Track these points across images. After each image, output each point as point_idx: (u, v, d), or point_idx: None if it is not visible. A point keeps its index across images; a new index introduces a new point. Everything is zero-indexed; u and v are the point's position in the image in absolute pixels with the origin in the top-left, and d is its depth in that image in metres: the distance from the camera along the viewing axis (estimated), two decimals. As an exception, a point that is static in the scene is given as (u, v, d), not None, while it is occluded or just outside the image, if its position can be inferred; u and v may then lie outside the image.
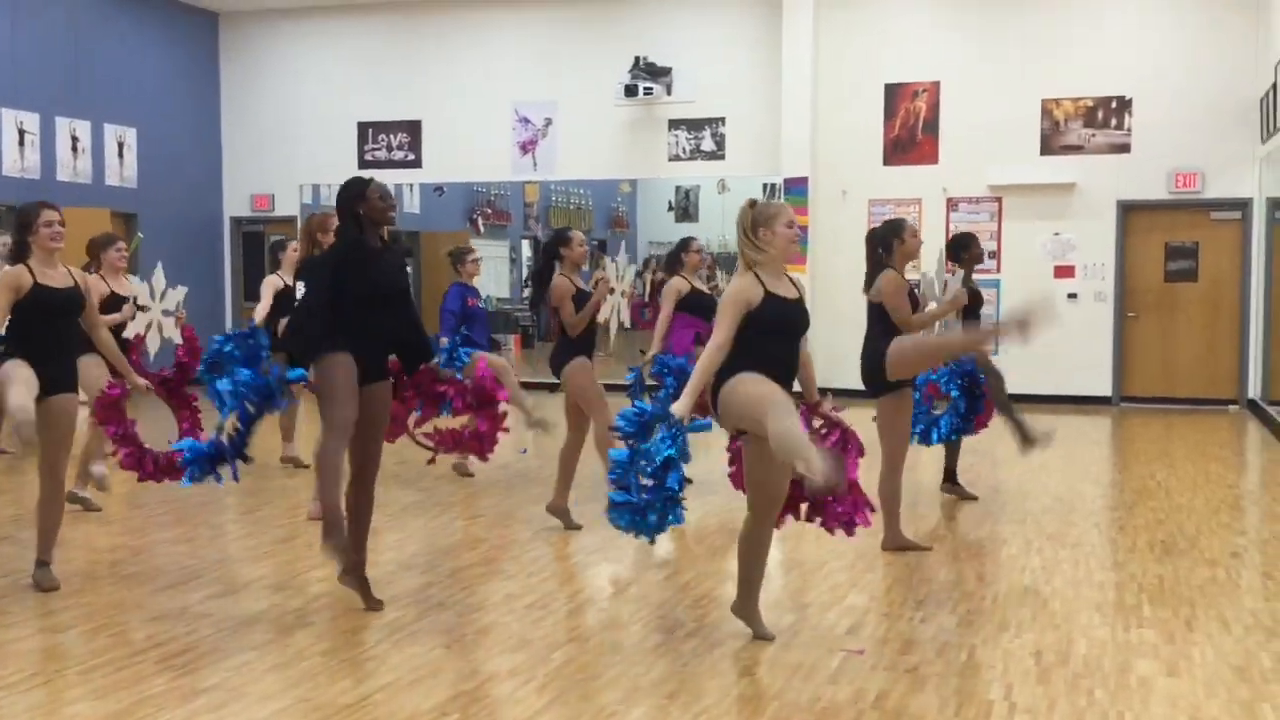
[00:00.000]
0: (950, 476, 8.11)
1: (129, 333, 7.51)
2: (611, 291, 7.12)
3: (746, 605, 5.06)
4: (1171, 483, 8.76)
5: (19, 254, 5.71)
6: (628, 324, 7.83)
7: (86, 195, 14.04)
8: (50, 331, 5.67)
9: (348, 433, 5.25)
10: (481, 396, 6.13)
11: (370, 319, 5.27)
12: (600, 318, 7.12)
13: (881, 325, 6.53)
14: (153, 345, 7.55)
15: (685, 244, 8.32)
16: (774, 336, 4.77)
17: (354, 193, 5.36)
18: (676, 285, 8.07)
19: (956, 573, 6.20)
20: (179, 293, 7.50)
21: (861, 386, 6.69)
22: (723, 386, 4.74)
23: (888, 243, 6.65)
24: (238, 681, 4.50)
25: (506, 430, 6.38)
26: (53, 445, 5.70)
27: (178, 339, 7.18)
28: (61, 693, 4.40)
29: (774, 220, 4.81)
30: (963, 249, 7.93)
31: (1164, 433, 11.50)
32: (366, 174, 5.73)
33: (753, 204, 4.87)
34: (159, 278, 7.41)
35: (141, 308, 7.47)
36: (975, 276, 7.98)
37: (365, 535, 5.51)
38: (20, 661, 4.73)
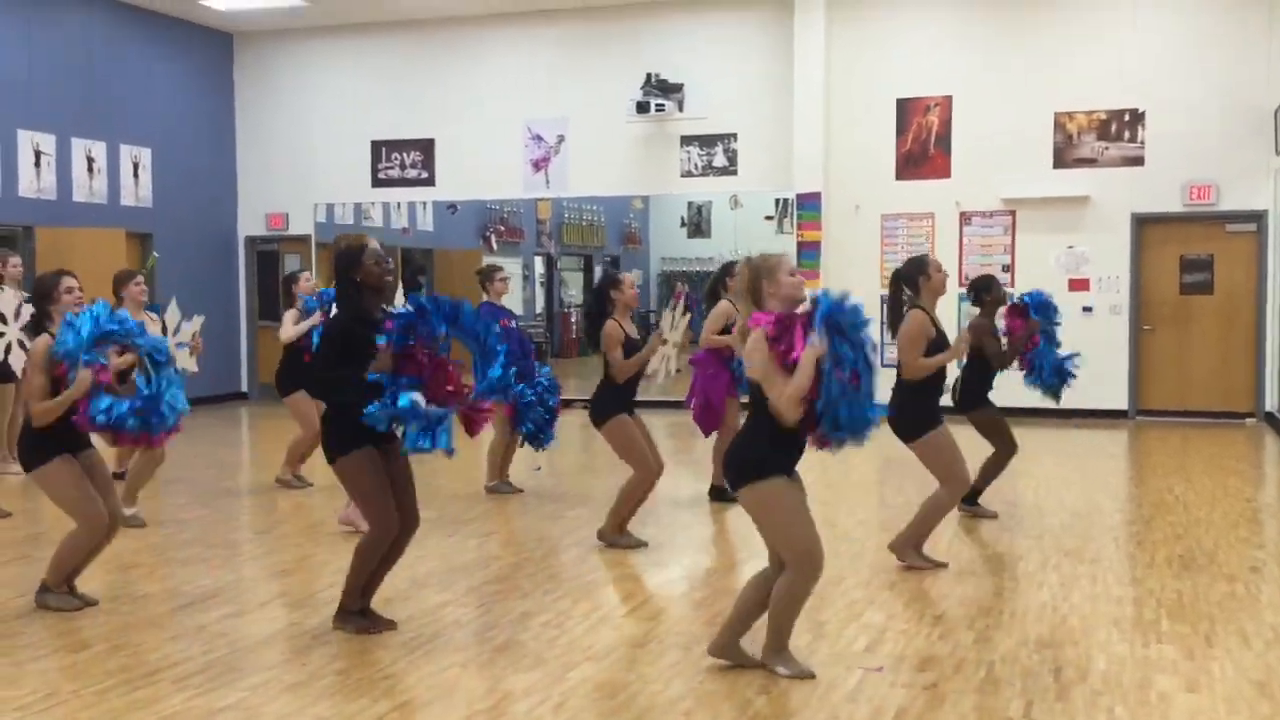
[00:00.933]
0: (971, 498, 7.94)
1: None
2: (664, 343, 7.06)
3: (781, 651, 4.80)
4: (1189, 497, 8.71)
5: (39, 324, 5.83)
6: (676, 371, 7.62)
7: (102, 215, 14.12)
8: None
9: (392, 529, 5.27)
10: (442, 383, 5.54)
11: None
12: (649, 370, 7.07)
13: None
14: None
15: (729, 268, 8.24)
16: None
17: (350, 260, 5.27)
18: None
19: (974, 589, 6.17)
20: (195, 323, 7.44)
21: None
22: (759, 481, 4.58)
23: (914, 281, 6.58)
24: (255, 701, 4.50)
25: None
26: (106, 493, 5.83)
27: (193, 368, 7.22)
28: (78, 713, 4.40)
29: (775, 271, 4.71)
30: (984, 290, 7.91)
31: (1181, 446, 11.45)
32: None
33: (749, 261, 4.80)
34: (173, 311, 7.41)
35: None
36: None
37: (382, 579, 5.54)
38: (36, 681, 4.74)
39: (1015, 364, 8.02)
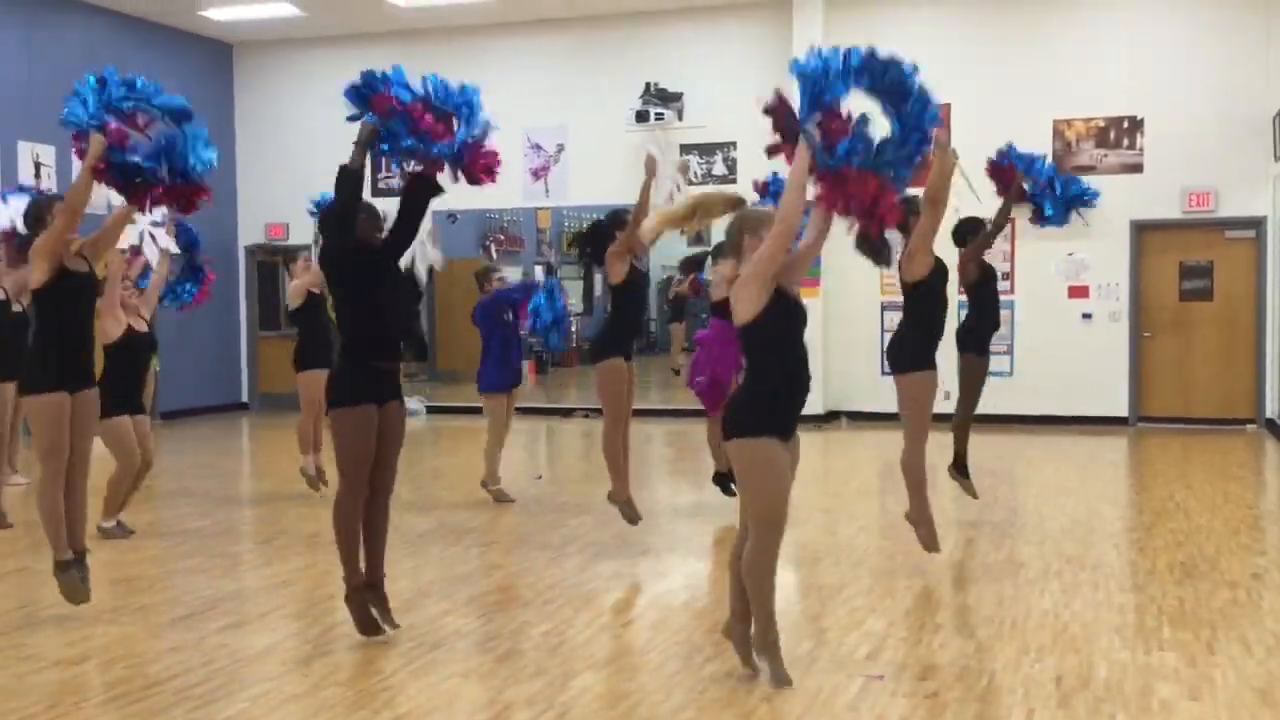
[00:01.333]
0: (959, 462, 8.11)
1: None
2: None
3: (768, 639, 4.78)
4: (1190, 504, 8.70)
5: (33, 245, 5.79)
6: (683, 186, 7.78)
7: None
8: (75, 320, 5.76)
9: (361, 491, 5.30)
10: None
11: (381, 322, 5.32)
12: (659, 199, 7.20)
13: (915, 312, 6.67)
14: (151, 254, 7.76)
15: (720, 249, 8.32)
16: (788, 333, 4.69)
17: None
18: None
19: (975, 596, 6.17)
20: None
21: (874, 409, 6.68)
22: (752, 437, 4.59)
23: (916, 208, 6.62)
24: (256, 712, 4.50)
25: None
26: (83, 438, 5.81)
27: (173, 248, 7.59)
28: (79, 724, 4.40)
29: (759, 227, 4.73)
30: (970, 233, 8.12)
31: (1181, 453, 11.44)
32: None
33: (740, 202, 4.83)
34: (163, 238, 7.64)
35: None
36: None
37: (382, 552, 5.51)
38: (38, 694, 4.73)
39: (1028, 217, 8.14)
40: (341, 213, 5.35)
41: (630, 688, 4.77)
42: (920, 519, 6.72)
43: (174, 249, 7.75)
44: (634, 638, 5.57)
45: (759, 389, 4.65)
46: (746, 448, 4.59)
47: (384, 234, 5.54)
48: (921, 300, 6.67)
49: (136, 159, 5.62)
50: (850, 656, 5.15)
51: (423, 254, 8.30)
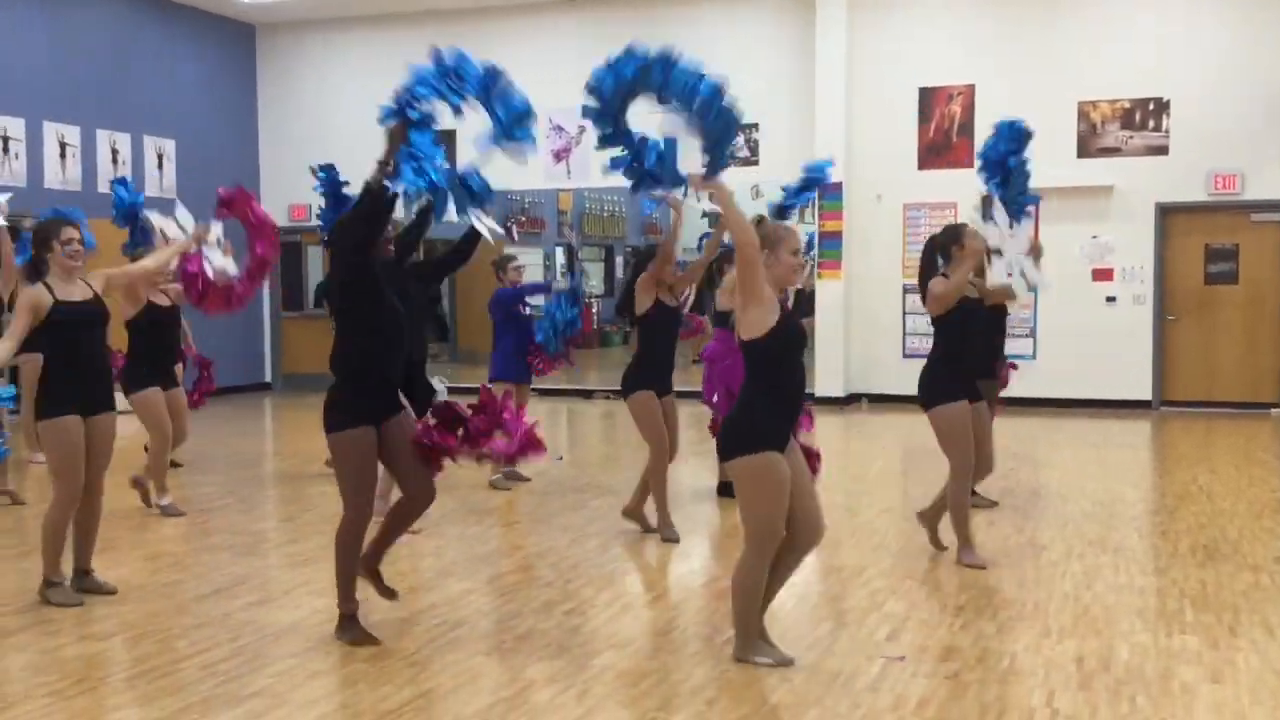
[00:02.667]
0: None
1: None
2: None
3: (748, 643, 4.77)
4: (1213, 487, 8.67)
5: (36, 271, 5.71)
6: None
7: (127, 207, 14.18)
8: (81, 347, 5.67)
9: (367, 515, 5.12)
10: (493, 415, 5.39)
11: (386, 348, 5.10)
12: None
13: (943, 343, 6.43)
14: (225, 264, 7.71)
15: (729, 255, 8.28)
16: (790, 356, 4.69)
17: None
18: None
19: (996, 579, 6.16)
20: (218, 227, 7.67)
21: (895, 391, 6.63)
22: (752, 454, 4.56)
23: (947, 249, 6.44)
24: (281, 688, 4.54)
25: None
26: (97, 465, 5.78)
27: (231, 270, 7.59)
28: (105, 699, 4.46)
29: (779, 245, 4.67)
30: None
31: (1205, 437, 11.39)
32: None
33: (760, 221, 4.77)
34: (184, 214, 7.68)
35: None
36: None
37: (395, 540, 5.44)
38: (65, 669, 4.79)
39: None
40: (363, 237, 5.04)
41: (651, 667, 4.79)
42: (963, 553, 6.46)
43: (231, 270, 7.69)
44: (655, 618, 5.59)
45: (759, 405, 4.63)
46: (750, 465, 4.58)
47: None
48: (949, 330, 6.44)
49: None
50: (870, 638, 5.16)
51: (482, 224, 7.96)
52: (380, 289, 5.05)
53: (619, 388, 7.25)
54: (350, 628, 5.13)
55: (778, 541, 4.65)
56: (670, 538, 7.01)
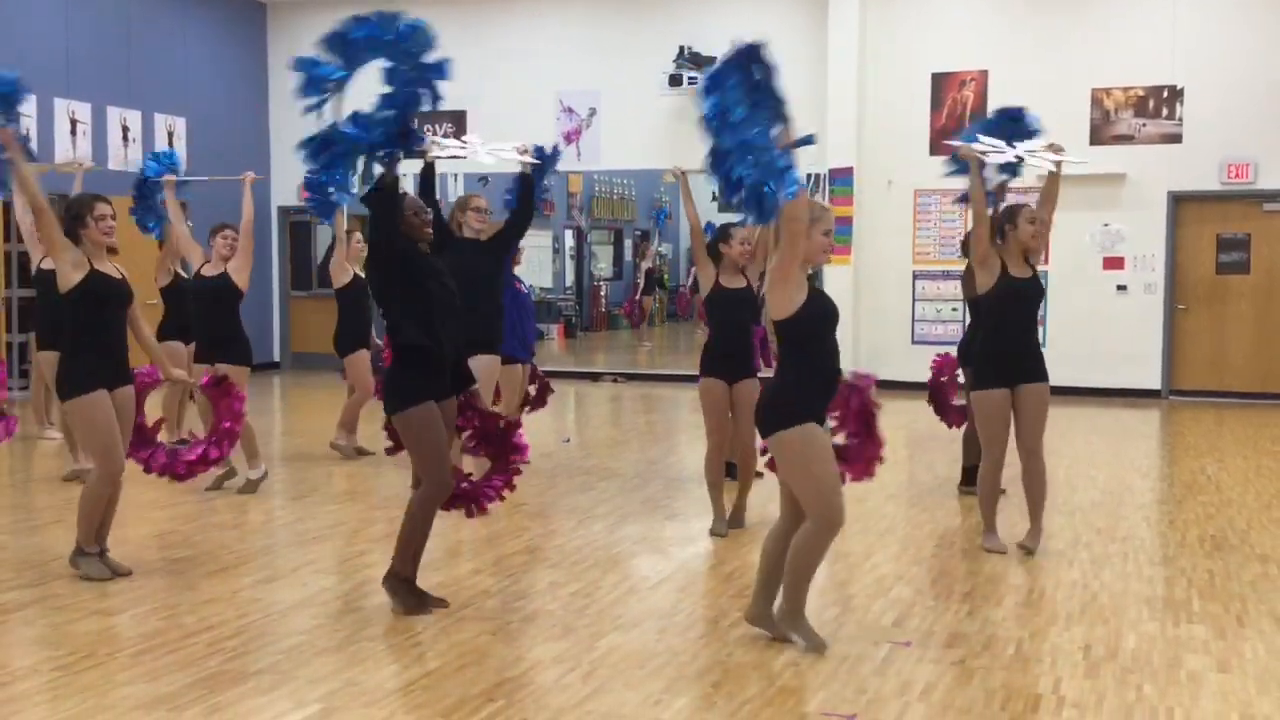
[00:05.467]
0: (968, 478, 7.85)
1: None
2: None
3: (795, 616, 4.79)
4: (1222, 477, 8.65)
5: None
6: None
7: (137, 184, 14.19)
8: (111, 322, 5.72)
9: (448, 486, 5.24)
10: (501, 447, 5.76)
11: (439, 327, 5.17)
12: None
13: (984, 322, 6.42)
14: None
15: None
16: (824, 332, 4.70)
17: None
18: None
19: (1003, 566, 6.16)
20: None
21: (903, 378, 6.59)
22: (791, 427, 4.57)
23: (1000, 229, 6.32)
24: (288, 665, 4.56)
25: (513, 488, 5.90)
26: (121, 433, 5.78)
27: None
28: (114, 674, 4.47)
29: (815, 223, 4.64)
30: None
31: (1214, 426, 11.36)
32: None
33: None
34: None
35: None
36: None
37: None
38: (74, 643, 4.81)
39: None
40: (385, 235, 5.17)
41: (658, 649, 4.80)
42: (988, 538, 6.45)
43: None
44: (661, 600, 5.59)
45: (794, 381, 4.66)
46: (790, 438, 4.59)
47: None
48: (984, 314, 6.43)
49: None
50: (877, 623, 5.16)
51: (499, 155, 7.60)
52: (419, 272, 5.14)
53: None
54: (409, 593, 5.19)
55: (840, 512, 4.64)
56: (718, 531, 6.91)
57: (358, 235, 9.49)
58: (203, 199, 14.98)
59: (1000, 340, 6.32)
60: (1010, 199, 7.11)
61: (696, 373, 6.98)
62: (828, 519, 4.62)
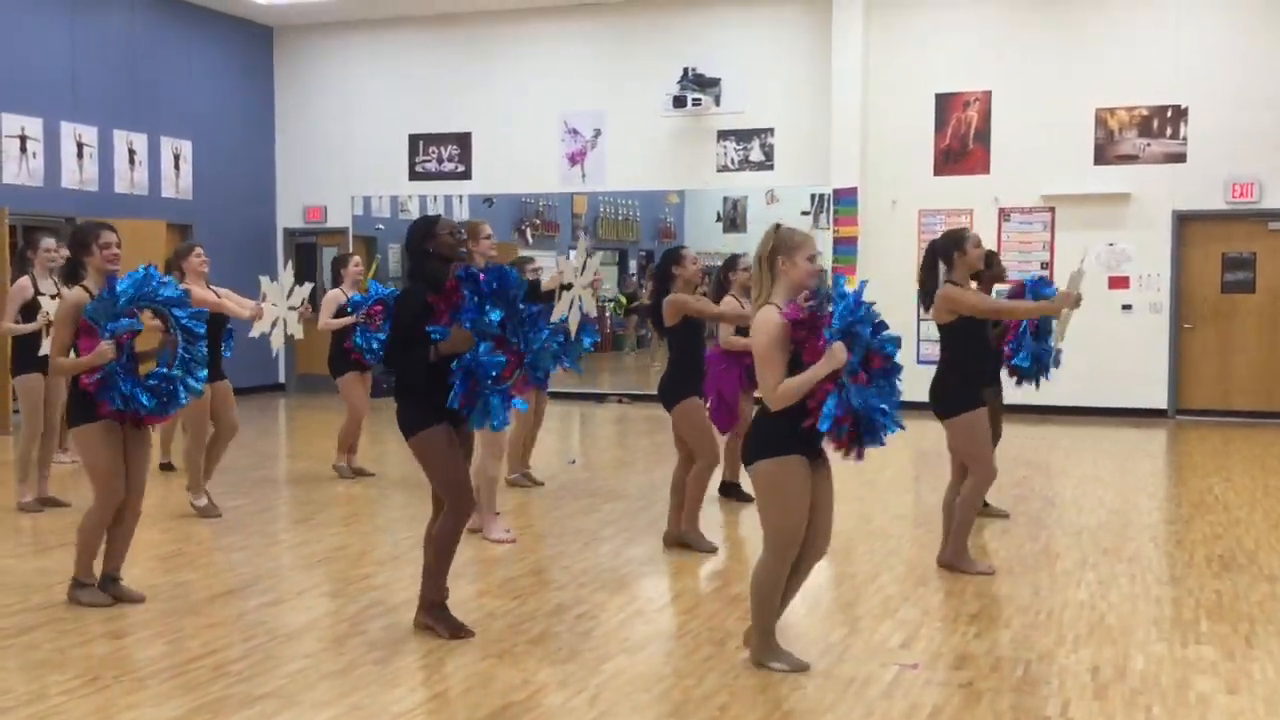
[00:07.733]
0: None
1: (255, 332, 8.09)
2: (567, 287, 6.38)
3: (766, 646, 4.78)
4: (1229, 497, 8.62)
5: (73, 273, 5.68)
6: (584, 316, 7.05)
7: (143, 207, 14.25)
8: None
9: (470, 507, 5.23)
10: None
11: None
12: (554, 316, 6.32)
13: (950, 350, 6.34)
14: (277, 342, 8.14)
15: (732, 262, 8.23)
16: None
17: (423, 231, 5.20)
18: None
19: (1011, 587, 6.13)
20: (304, 290, 8.12)
21: (908, 397, 6.52)
22: (768, 458, 4.56)
23: (949, 255, 6.38)
24: (292, 689, 4.54)
25: None
26: (139, 466, 5.73)
27: (300, 335, 7.99)
28: (117, 699, 4.45)
29: (795, 251, 4.59)
30: (985, 266, 7.70)
31: (1221, 446, 11.33)
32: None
33: (777, 228, 4.73)
34: (287, 274, 8.11)
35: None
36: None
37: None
38: (78, 667, 4.80)
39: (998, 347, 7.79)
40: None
41: (664, 671, 4.78)
42: (960, 560, 6.40)
43: (300, 335, 8.26)
44: (667, 623, 5.58)
45: (785, 411, 4.57)
46: (771, 468, 4.56)
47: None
48: (954, 337, 6.37)
49: (137, 393, 5.47)
50: (884, 645, 5.14)
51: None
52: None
53: (663, 399, 6.95)
54: (442, 618, 5.20)
55: (796, 547, 4.63)
56: (705, 548, 6.93)
57: (355, 259, 9.53)
58: (209, 216, 15.03)
59: (973, 361, 6.39)
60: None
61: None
62: (779, 551, 4.61)
